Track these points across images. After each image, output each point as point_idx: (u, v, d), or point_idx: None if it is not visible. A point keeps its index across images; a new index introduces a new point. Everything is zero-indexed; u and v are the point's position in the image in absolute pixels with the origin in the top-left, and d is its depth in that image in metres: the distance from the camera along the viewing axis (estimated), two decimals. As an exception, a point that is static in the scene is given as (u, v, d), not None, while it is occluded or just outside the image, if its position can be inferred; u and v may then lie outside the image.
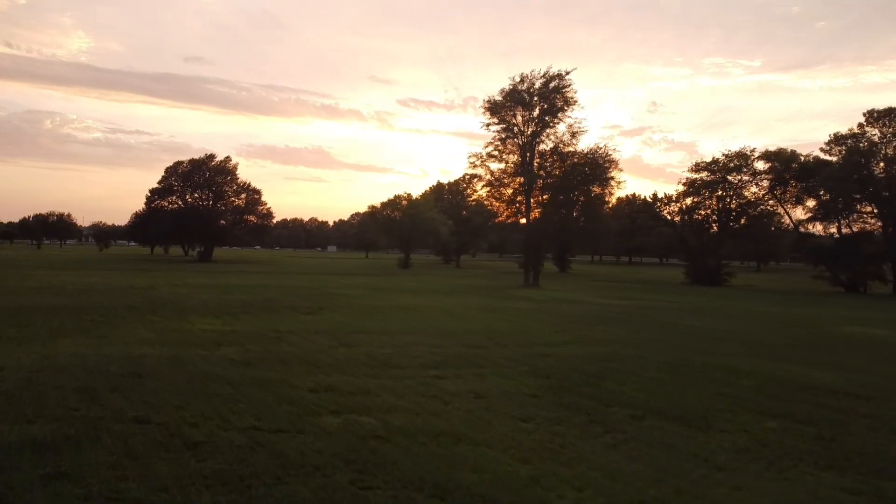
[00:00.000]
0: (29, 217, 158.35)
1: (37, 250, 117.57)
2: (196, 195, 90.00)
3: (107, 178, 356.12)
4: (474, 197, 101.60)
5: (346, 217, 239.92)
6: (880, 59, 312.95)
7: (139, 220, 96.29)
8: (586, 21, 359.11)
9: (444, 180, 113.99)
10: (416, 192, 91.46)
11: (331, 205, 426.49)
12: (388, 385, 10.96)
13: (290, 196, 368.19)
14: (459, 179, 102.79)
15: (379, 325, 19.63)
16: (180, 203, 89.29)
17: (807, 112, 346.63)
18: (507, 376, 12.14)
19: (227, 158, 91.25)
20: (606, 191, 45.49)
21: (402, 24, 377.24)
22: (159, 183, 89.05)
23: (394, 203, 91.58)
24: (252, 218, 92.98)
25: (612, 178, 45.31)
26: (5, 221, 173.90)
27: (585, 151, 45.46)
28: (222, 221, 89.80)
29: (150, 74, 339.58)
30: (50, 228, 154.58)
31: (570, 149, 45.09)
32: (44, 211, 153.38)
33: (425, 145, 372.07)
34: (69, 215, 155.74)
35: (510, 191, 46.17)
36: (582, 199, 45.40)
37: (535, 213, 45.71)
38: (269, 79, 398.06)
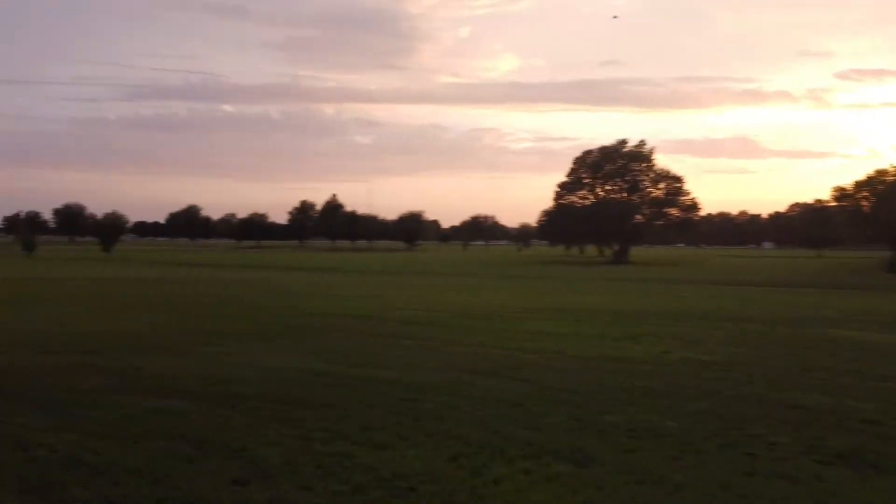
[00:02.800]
0: (461, 223, 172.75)
1: (462, 251, 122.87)
2: (608, 187, 78.29)
3: (535, 182, 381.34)
4: None
5: (782, 209, 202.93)
6: None
7: (549, 217, 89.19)
8: None
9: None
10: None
11: (758, 197, 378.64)
12: None
13: (710, 190, 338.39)
14: None
15: None
16: (591, 197, 78.53)
17: None
18: None
19: (642, 143, 77.67)
20: None
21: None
22: (567, 176, 79.93)
23: (875, 180, 66.32)
24: (673, 211, 77.22)
25: None
26: (447, 226, 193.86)
27: None
28: (638, 216, 75.83)
29: (570, 83, 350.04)
30: (478, 231, 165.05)
31: None
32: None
33: (873, 122, 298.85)
34: (493, 218, 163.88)
35: None
36: None
37: None
38: (683, 71, 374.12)
